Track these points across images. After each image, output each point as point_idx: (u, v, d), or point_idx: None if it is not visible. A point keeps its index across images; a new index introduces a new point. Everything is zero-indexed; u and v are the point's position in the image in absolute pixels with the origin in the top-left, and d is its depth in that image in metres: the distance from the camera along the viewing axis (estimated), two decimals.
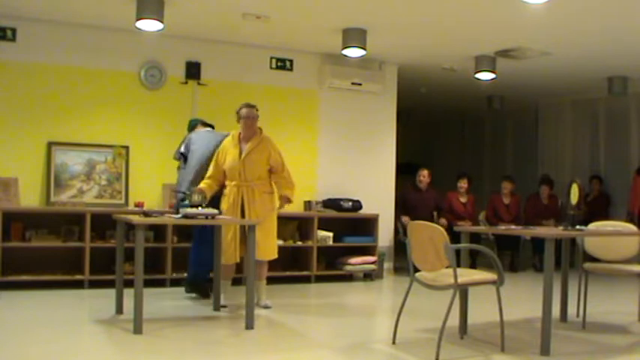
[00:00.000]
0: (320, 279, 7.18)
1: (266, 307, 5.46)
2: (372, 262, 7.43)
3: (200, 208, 4.79)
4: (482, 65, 7.77)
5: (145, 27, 6.07)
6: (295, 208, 7.11)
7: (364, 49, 6.81)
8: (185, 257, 6.16)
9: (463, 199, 8.68)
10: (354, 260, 7.32)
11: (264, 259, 5.41)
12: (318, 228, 7.19)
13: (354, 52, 6.87)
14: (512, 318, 5.07)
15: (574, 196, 4.94)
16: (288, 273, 7.06)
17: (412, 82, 8.93)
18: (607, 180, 9.69)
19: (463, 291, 4.52)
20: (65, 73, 6.73)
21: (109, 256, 6.12)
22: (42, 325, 4.68)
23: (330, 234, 7.26)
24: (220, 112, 6.69)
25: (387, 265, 8.05)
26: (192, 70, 7.19)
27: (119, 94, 6.93)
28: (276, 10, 6.21)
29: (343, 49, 6.84)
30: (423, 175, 8.32)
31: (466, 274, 4.15)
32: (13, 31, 6.50)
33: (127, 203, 6.84)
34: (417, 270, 4.25)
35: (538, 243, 8.28)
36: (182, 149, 5.97)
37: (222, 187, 5.49)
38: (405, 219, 7.88)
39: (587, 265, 5.21)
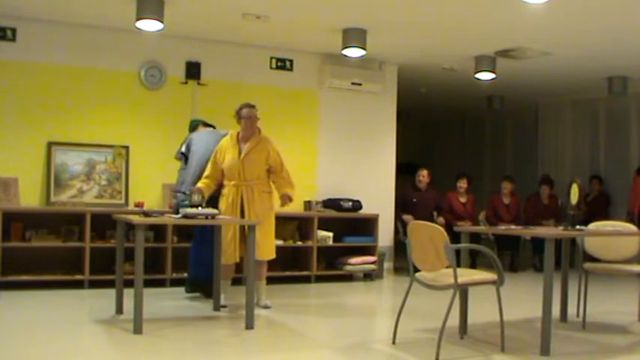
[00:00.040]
0: (320, 279, 7.18)
1: (266, 307, 5.46)
2: (372, 262, 7.43)
3: (200, 208, 4.79)
4: (483, 65, 7.77)
5: (145, 27, 6.07)
6: (295, 208, 7.10)
7: (364, 49, 6.81)
8: (185, 257, 6.16)
9: (463, 199, 8.68)
10: (354, 260, 7.32)
11: (263, 259, 5.41)
12: (318, 228, 7.19)
13: (354, 52, 6.87)
14: (512, 318, 5.07)
15: (574, 196, 4.94)
16: (288, 273, 7.06)
17: (412, 82, 8.93)
18: (607, 180, 9.69)
19: (463, 291, 4.52)
20: (65, 73, 6.73)
21: (109, 256, 6.12)
22: (42, 325, 4.68)
23: (330, 234, 7.26)
24: (220, 112, 6.69)
25: (387, 265, 8.05)
26: (192, 70, 7.19)
27: (119, 94, 6.93)
28: (276, 10, 6.21)
29: (343, 49, 6.84)
30: (423, 175, 8.32)
31: (466, 274, 4.15)
32: (13, 31, 6.50)
33: (127, 203, 6.84)
34: (417, 270, 4.25)
35: (538, 243, 8.28)
36: (183, 149, 5.97)
37: (220, 186, 5.49)
38: (406, 217, 7.87)
39: (587, 265, 5.21)
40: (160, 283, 6.39)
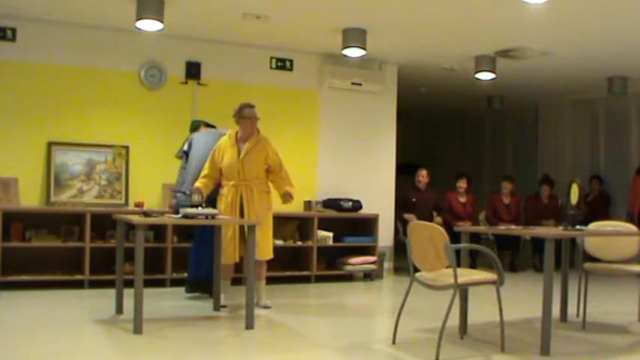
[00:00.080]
0: (320, 279, 7.18)
1: (266, 307, 5.46)
2: (372, 262, 7.43)
3: (200, 208, 4.79)
4: (483, 65, 7.77)
5: (145, 27, 6.07)
6: (295, 208, 7.12)
7: (364, 49, 6.81)
8: (185, 257, 6.16)
9: (462, 199, 8.68)
10: (354, 260, 7.32)
11: (262, 259, 5.40)
12: (318, 228, 7.19)
13: (354, 52, 6.88)
14: (512, 318, 5.07)
15: (574, 196, 4.94)
16: (288, 273, 7.06)
17: (412, 82, 8.93)
18: (607, 180, 9.69)
19: (463, 291, 4.52)
20: (65, 73, 6.73)
21: (109, 256, 6.12)
22: (42, 325, 4.68)
23: (330, 234, 7.26)
24: (220, 112, 6.69)
25: (387, 265, 8.05)
26: (192, 70, 7.19)
27: (119, 94, 6.93)
28: (276, 10, 6.22)
29: (343, 49, 6.84)
30: (422, 175, 8.32)
31: (466, 274, 4.15)
32: (13, 31, 6.50)
33: (127, 203, 6.84)
34: (417, 270, 4.25)
35: (538, 243, 8.28)
36: (185, 148, 5.98)
37: (218, 186, 5.49)
38: (408, 216, 7.85)
39: (587, 265, 5.21)
40: (159, 283, 6.39)
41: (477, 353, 4.21)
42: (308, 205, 7.52)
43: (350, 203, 7.55)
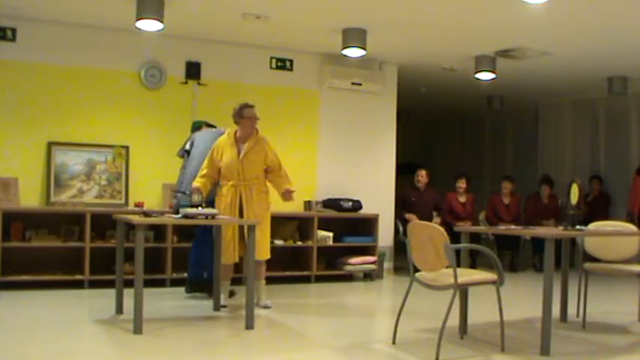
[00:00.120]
0: (320, 279, 7.18)
1: (266, 307, 5.46)
2: (372, 262, 7.43)
3: (200, 208, 4.79)
4: (483, 65, 7.77)
5: (145, 27, 6.07)
6: (295, 208, 7.12)
7: (364, 49, 6.81)
8: (185, 257, 6.16)
9: (462, 199, 8.68)
10: (354, 260, 7.32)
11: (261, 259, 5.40)
12: (318, 228, 7.19)
13: (354, 52, 6.87)
14: (512, 318, 5.07)
15: (574, 196, 4.94)
16: (288, 273, 7.06)
17: (412, 82, 8.93)
18: (607, 180, 9.69)
19: (463, 291, 4.52)
20: (65, 73, 6.73)
21: (109, 256, 6.12)
22: (42, 325, 4.68)
23: (330, 234, 7.26)
24: (220, 112, 6.69)
25: (387, 265, 8.05)
26: (192, 70, 7.19)
27: (119, 94, 6.93)
28: (276, 10, 6.22)
29: (343, 49, 6.84)
30: (421, 175, 8.32)
31: (466, 274, 4.15)
32: (13, 31, 6.50)
33: (127, 203, 6.84)
34: (417, 270, 4.25)
35: (538, 243, 8.28)
36: (187, 147, 5.98)
37: (215, 185, 5.48)
38: (409, 216, 7.84)
39: (587, 265, 5.21)
40: (159, 283, 6.39)
41: (476, 353, 4.21)
42: (308, 205, 7.52)
43: (350, 203, 7.55)
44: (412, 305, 4.49)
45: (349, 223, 7.69)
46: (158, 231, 6.61)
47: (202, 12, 6.31)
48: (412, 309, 4.61)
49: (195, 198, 4.94)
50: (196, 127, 6.26)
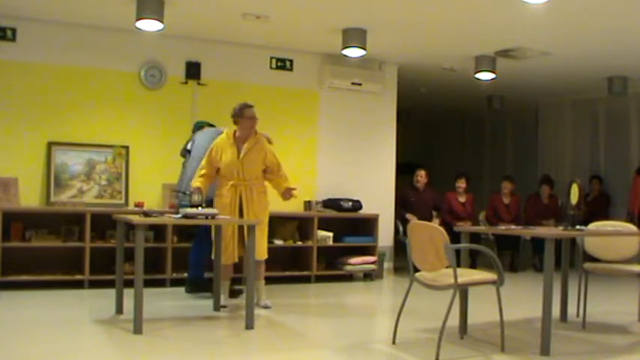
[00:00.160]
0: (320, 279, 7.18)
1: (266, 307, 5.46)
2: (372, 262, 7.43)
3: (200, 208, 4.79)
4: (483, 65, 7.77)
5: (145, 27, 6.07)
6: (295, 208, 7.13)
7: (364, 49, 6.81)
8: (185, 257, 6.16)
9: (462, 199, 8.68)
10: (354, 260, 7.32)
11: (260, 259, 5.40)
12: (318, 228, 7.19)
13: (354, 52, 6.87)
14: (512, 318, 5.07)
15: (574, 196, 4.94)
16: (288, 273, 7.06)
17: (412, 82, 8.93)
18: (607, 180, 9.69)
19: (463, 291, 4.52)
20: (65, 73, 6.73)
21: (109, 256, 6.12)
22: (42, 325, 4.68)
23: (330, 234, 7.26)
24: (220, 112, 6.66)
25: (387, 265, 8.05)
26: (192, 70, 7.19)
27: (119, 94, 6.93)
28: (276, 10, 6.22)
29: (343, 49, 6.84)
30: (420, 176, 8.32)
31: (466, 274, 4.14)
32: (13, 31, 6.50)
33: (127, 203, 6.84)
34: (417, 270, 4.25)
35: (538, 243, 8.28)
36: (189, 146, 5.99)
37: (213, 184, 5.48)
38: (410, 216, 7.84)
39: (587, 265, 5.21)
40: (159, 283, 6.39)
41: (476, 353, 4.21)
42: (308, 205, 7.52)
43: (350, 203, 7.55)
44: (412, 305, 4.49)
45: (349, 223, 7.69)
46: (158, 231, 6.61)
47: (202, 12, 6.31)
48: (412, 309, 4.61)
49: (195, 198, 4.94)
50: (198, 127, 6.26)
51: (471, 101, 10.71)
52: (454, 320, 4.36)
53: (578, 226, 4.83)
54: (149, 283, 5.54)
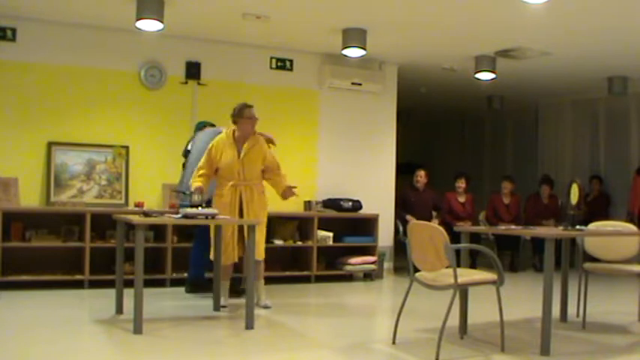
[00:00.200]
0: (320, 279, 7.18)
1: (266, 307, 5.46)
2: (372, 262, 7.43)
3: (200, 208, 4.79)
4: (483, 65, 7.77)
5: (145, 27, 6.07)
6: (295, 208, 7.13)
7: (364, 49, 6.81)
8: (185, 257, 6.17)
9: (462, 199, 8.68)
10: (354, 260, 7.32)
11: (259, 259, 5.39)
12: (318, 228, 7.19)
13: (354, 52, 6.88)
14: (512, 318, 5.07)
15: (574, 196, 4.94)
16: (288, 273, 7.06)
17: (412, 82, 8.93)
18: (607, 180, 9.69)
19: (463, 291, 4.52)
20: (65, 73, 6.73)
21: (109, 256, 6.12)
22: (42, 325, 4.68)
23: (330, 234, 7.26)
24: (220, 112, 6.66)
25: (387, 265, 8.05)
26: (192, 70, 7.19)
27: (119, 94, 6.93)
28: (276, 10, 6.22)
29: (343, 49, 6.84)
30: (420, 176, 8.32)
31: (466, 274, 4.15)
32: (13, 31, 6.50)
33: (127, 203, 6.84)
34: (417, 270, 4.25)
35: (538, 243, 8.29)
36: (189, 147, 5.99)
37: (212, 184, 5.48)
38: (410, 217, 7.83)
39: (587, 265, 5.21)
40: (160, 283, 6.39)
41: (476, 353, 4.21)
42: (308, 205, 7.52)
43: (350, 203, 7.55)
44: (412, 305, 4.49)
45: (349, 223, 7.69)
46: (158, 231, 6.61)
47: (202, 12, 6.31)
48: (412, 309, 4.61)
49: (195, 198, 4.93)
50: (200, 127, 6.26)
51: (471, 101, 10.72)
52: (454, 320, 4.36)
53: (578, 226, 4.83)
54: (149, 283, 5.55)
